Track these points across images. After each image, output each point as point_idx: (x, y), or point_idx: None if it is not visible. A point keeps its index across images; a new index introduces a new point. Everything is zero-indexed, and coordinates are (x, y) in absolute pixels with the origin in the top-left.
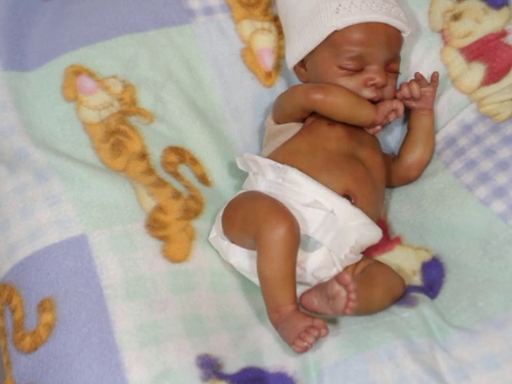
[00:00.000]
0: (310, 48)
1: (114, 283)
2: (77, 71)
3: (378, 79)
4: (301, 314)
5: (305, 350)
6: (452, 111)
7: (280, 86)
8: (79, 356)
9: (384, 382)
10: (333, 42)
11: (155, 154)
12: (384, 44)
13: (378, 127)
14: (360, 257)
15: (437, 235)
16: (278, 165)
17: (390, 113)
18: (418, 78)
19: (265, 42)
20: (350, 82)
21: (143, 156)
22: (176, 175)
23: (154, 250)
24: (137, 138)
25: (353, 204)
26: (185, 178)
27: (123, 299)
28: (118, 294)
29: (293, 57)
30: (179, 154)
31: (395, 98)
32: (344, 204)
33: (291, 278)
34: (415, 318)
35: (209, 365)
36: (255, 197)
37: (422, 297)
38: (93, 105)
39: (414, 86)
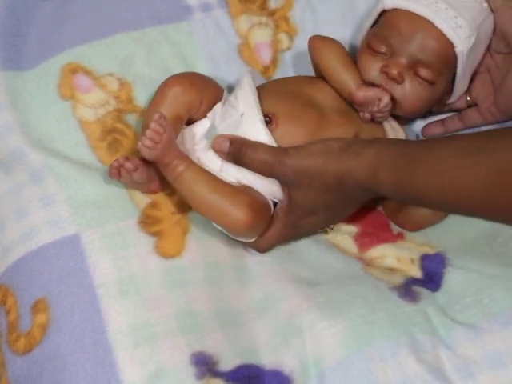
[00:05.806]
0: (368, 25)
1: (107, 282)
2: (73, 69)
3: (392, 70)
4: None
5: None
6: None
7: None
8: (72, 357)
9: (386, 381)
10: (378, 21)
11: None
12: (419, 42)
13: (367, 115)
14: None
15: (441, 232)
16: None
17: (372, 99)
18: None
19: (262, 36)
20: (369, 62)
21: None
22: None
23: (146, 248)
24: (133, 136)
25: (268, 125)
26: None
27: (116, 298)
28: (111, 294)
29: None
30: None
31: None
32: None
33: None
34: (417, 314)
35: (203, 362)
36: None
37: (423, 291)
38: (89, 103)
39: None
